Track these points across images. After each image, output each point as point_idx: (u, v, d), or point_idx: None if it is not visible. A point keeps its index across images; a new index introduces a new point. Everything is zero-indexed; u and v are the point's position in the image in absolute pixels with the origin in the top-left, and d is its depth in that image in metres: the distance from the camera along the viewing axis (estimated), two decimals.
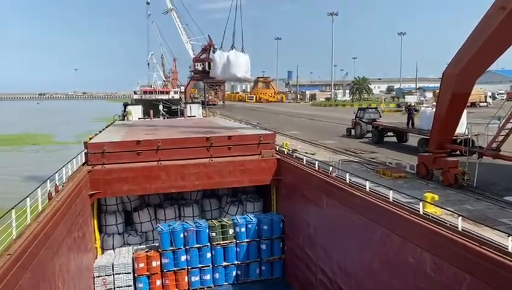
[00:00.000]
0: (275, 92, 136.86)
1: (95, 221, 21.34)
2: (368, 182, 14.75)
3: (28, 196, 12.75)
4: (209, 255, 21.29)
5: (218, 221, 22.09)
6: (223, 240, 21.34)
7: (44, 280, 12.17)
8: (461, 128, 18.37)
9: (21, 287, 10.16)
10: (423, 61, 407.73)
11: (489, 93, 77.38)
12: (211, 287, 21.34)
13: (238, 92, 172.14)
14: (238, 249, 21.69)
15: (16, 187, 37.48)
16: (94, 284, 19.75)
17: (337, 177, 16.80)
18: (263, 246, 21.90)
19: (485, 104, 69.64)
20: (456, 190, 15.47)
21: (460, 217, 10.62)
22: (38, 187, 13.87)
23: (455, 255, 10.03)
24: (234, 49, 23.33)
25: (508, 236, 9.21)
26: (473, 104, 72.36)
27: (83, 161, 20.87)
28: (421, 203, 12.02)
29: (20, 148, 71.91)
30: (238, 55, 23.26)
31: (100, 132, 29.03)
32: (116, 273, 20.07)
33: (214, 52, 77.24)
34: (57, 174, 16.36)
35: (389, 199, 13.24)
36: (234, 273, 21.70)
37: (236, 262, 21.64)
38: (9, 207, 11.69)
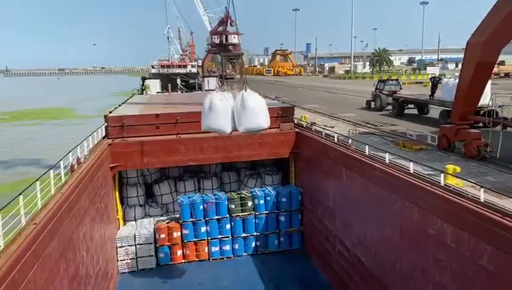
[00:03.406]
0: (293, 65, 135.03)
1: (117, 193, 21.78)
2: (387, 154, 14.59)
3: (51, 168, 13.05)
4: (228, 226, 21.62)
5: (237, 193, 22.32)
6: (242, 212, 21.60)
7: (70, 249, 12.56)
8: (485, 100, 17.88)
9: (48, 256, 10.52)
10: (445, 32, 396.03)
11: None
12: (230, 257, 21.73)
13: (255, 66, 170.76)
14: (257, 221, 21.94)
15: (40, 159, 38.49)
16: (117, 254, 20.33)
17: (357, 150, 16.67)
18: (282, 218, 22.10)
19: None
20: (479, 162, 15.19)
21: (482, 189, 10.47)
22: (61, 160, 14.16)
23: (477, 226, 9.93)
24: (248, 89, 15.44)
25: None
26: (507, 75, 70.69)
27: (104, 134, 21.17)
28: (442, 175, 11.86)
29: (44, 122, 73.45)
30: (259, 99, 15.36)
31: (120, 105, 29.28)
32: (138, 244, 20.59)
33: (231, 25, 76.27)
34: (78, 147, 16.64)
35: (409, 170, 13.10)
36: (253, 244, 22.01)
37: (255, 233, 21.92)
38: (34, 179, 12.00)
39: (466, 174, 13.10)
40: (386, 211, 14.05)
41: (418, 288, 12.39)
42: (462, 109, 16.96)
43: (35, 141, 54.08)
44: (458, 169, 12.50)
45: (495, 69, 64.99)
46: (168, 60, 65.92)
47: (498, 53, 15.94)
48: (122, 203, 22.73)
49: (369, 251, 15.38)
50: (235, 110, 15.07)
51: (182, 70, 57.40)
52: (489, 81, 18.12)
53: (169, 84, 46.76)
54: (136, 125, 21.48)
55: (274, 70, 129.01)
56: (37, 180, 11.87)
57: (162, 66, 60.49)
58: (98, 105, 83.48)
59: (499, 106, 17.81)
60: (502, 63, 72.90)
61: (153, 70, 60.88)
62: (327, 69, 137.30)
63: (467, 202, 10.44)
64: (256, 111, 14.98)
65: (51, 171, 12.90)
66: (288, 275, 19.89)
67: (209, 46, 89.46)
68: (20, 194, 10.55)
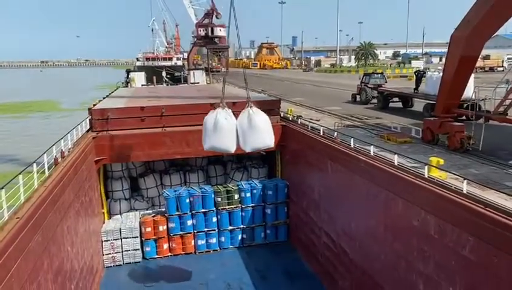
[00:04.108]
0: (279, 59, 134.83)
1: (102, 187, 21.56)
2: (372, 146, 14.72)
3: (34, 161, 12.84)
4: (214, 219, 21.60)
5: (224, 186, 22.30)
6: (228, 205, 21.60)
7: (54, 243, 12.42)
8: (468, 93, 18.14)
9: (31, 250, 10.38)
10: (429, 26, 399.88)
11: (506, 58, 77.16)
12: (216, 250, 21.75)
13: (242, 59, 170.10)
14: (243, 214, 21.97)
15: (22, 153, 37.86)
16: (102, 248, 20.17)
17: (342, 142, 16.78)
18: (268, 211, 22.17)
19: (502, 68, 69.47)
20: (462, 154, 15.42)
21: (465, 181, 10.63)
22: (44, 153, 13.96)
23: (459, 217, 10.09)
24: (254, 107, 14.56)
25: None
26: (492, 69, 71.72)
27: (88, 128, 20.90)
28: (426, 167, 12.01)
29: (27, 115, 72.28)
30: (264, 117, 14.52)
31: (104, 98, 28.93)
32: (123, 238, 20.45)
33: (217, 17, 75.67)
34: (62, 140, 16.40)
35: (393, 163, 13.24)
36: (239, 237, 22.06)
37: (241, 226, 21.96)
38: (17, 172, 11.82)
39: (449, 166, 13.29)
40: (370, 203, 14.20)
41: (402, 278, 12.58)
42: (446, 102, 17.20)
43: (17, 134, 53.21)
44: (442, 161, 12.68)
45: (480, 63, 66.05)
46: (153, 53, 65.39)
47: (481, 47, 16.17)
48: (107, 197, 22.52)
49: (354, 242, 15.54)
50: (240, 129, 14.35)
51: (167, 63, 56.93)
52: (473, 75, 18.36)
53: (155, 77, 46.31)
54: (121, 118, 21.21)
55: (260, 63, 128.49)
56: (20, 173, 11.69)
57: (147, 59, 60.00)
58: (83, 98, 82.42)
59: (482, 99, 18.10)
60: (487, 57, 73.85)
61: (138, 63, 60.35)
62: (313, 62, 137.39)
63: (450, 193, 10.59)
64: (262, 130, 14.34)
65: (34, 164, 12.70)
66: (274, 267, 20.00)
67: (195, 39, 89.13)
68: (2, 188, 10.38)
